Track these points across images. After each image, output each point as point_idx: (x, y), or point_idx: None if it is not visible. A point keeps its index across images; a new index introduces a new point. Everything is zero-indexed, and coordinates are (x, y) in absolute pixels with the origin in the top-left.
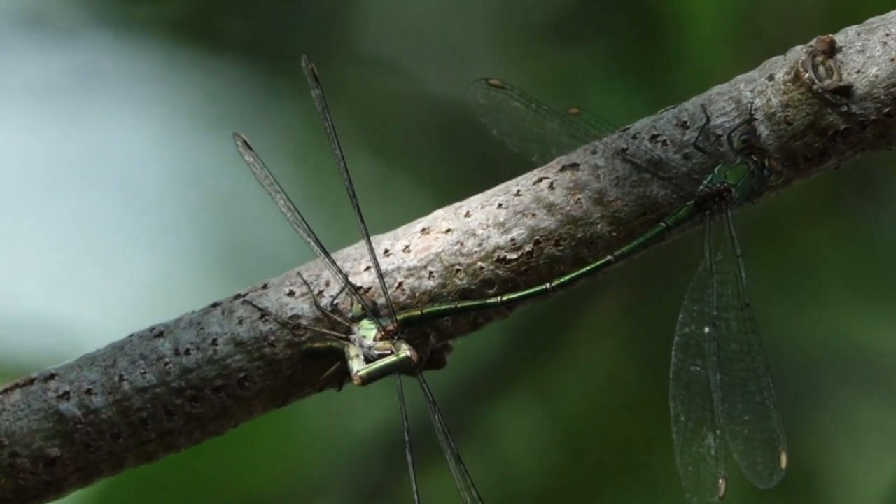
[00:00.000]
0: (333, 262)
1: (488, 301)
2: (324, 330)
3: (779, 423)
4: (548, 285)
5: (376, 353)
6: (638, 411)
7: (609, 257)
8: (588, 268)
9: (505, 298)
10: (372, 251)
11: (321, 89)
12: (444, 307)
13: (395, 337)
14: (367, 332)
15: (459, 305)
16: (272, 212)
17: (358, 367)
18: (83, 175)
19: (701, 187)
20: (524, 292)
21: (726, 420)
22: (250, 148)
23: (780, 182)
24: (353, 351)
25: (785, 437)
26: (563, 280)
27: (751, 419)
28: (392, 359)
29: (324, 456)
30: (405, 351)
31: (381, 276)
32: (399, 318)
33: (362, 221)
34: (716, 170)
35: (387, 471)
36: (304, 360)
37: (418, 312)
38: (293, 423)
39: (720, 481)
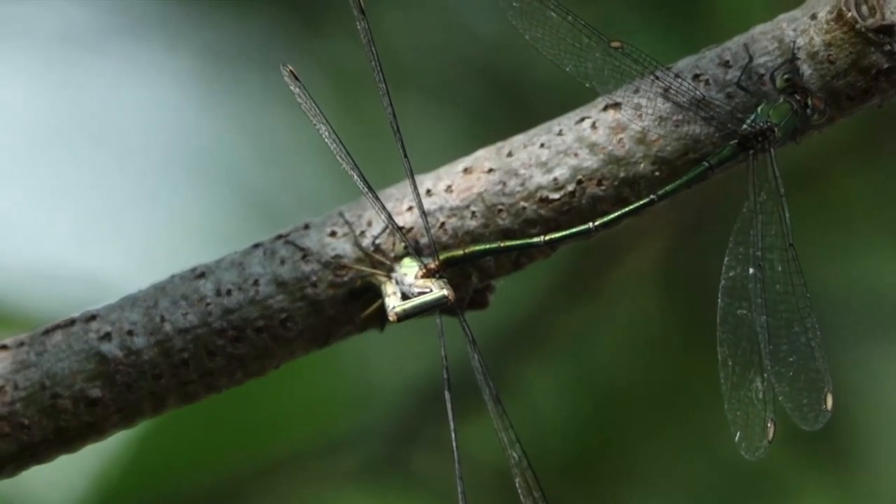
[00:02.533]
0: (377, 197)
1: (531, 241)
2: (365, 268)
3: (824, 364)
4: (591, 225)
5: (416, 290)
6: (674, 363)
7: (652, 196)
8: (630, 207)
9: (547, 238)
10: (415, 188)
11: (367, 21)
12: (486, 247)
13: (437, 276)
14: (409, 269)
15: (502, 245)
16: (314, 153)
17: (394, 303)
18: (119, 121)
19: (744, 126)
20: (567, 232)
21: (772, 362)
22: (298, 79)
23: (823, 121)
24: (391, 288)
25: (831, 379)
26: (605, 219)
27: (796, 360)
28: (428, 297)
29: (361, 407)
30: (443, 290)
31: (423, 214)
32: (441, 257)
33: (406, 157)
34: (759, 109)
35: (423, 422)
36: (346, 299)
37: (460, 252)
38: (330, 378)
39: (769, 425)
